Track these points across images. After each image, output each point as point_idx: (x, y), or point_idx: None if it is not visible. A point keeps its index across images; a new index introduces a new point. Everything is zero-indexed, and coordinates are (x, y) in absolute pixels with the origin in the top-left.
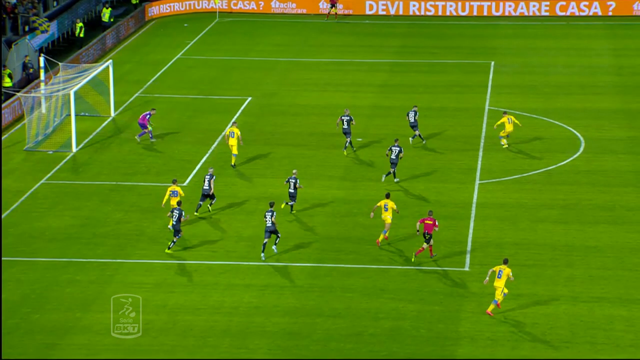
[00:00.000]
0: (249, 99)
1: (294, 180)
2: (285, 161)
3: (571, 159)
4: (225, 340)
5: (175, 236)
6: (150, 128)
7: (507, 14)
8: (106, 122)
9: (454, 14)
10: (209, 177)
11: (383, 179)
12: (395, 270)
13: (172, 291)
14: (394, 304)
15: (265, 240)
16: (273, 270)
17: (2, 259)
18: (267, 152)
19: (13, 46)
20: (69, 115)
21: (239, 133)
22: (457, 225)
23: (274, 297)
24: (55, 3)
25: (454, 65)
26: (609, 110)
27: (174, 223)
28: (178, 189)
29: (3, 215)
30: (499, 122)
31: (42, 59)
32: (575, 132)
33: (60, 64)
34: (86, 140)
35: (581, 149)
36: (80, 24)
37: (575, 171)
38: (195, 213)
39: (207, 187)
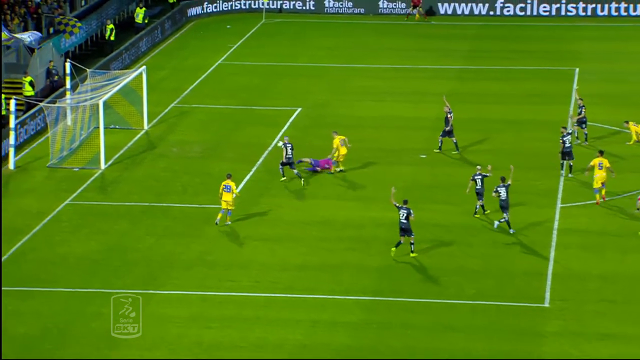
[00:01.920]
0: (299, 109)
1: (480, 177)
2: (339, 180)
3: None
4: None
5: (409, 235)
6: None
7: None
8: (138, 136)
9: (533, 13)
10: (290, 145)
11: (570, 174)
12: (463, 305)
13: (209, 326)
14: (461, 344)
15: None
16: (324, 303)
17: (20, 288)
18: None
19: (36, 50)
20: (97, 127)
21: (342, 137)
22: (535, 255)
23: (325, 334)
24: (83, 2)
25: (531, 71)
26: None
27: (403, 221)
28: (232, 184)
29: (23, 240)
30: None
31: (68, 65)
32: None
33: (88, 70)
34: (116, 155)
35: None
36: (111, 26)
37: None
38: (303, 185)
39: (290, 156)
